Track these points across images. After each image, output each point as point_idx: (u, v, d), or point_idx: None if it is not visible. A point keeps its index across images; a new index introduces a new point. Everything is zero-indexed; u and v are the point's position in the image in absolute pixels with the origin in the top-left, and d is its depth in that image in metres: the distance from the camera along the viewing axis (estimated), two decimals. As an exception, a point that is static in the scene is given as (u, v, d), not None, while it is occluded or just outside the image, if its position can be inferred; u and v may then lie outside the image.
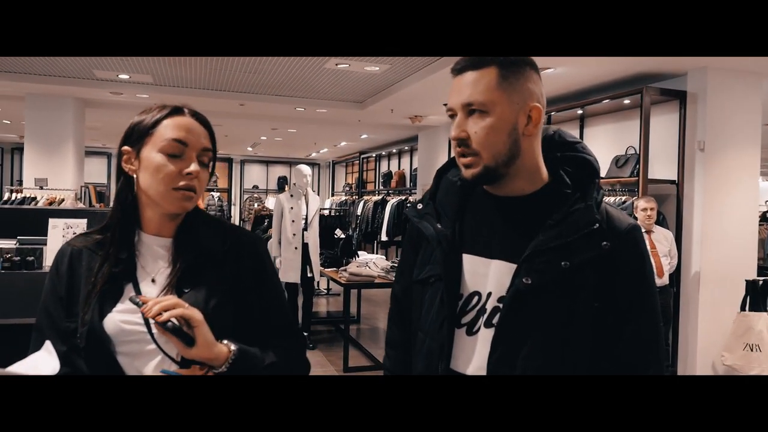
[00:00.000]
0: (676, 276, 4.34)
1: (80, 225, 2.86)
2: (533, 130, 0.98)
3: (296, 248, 5.13)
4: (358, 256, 5.55)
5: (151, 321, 0.94)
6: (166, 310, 0.92)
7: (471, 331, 1.01)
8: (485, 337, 0.99)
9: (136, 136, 1.03)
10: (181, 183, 1.00)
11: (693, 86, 4.35)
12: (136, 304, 0.95)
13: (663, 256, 4.09)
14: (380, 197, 9.24)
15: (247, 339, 1.01)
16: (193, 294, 1.00)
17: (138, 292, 1.01)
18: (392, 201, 8.55)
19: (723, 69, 4.26)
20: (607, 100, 4.72)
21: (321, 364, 4.80)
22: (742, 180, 4.34)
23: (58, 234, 2.83)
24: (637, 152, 4.56)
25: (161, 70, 5.48)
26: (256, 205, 12.64)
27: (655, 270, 3.66)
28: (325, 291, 8.22)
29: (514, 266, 0.97)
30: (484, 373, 0.97)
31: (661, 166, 4.60)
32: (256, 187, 14.11)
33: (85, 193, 6.71)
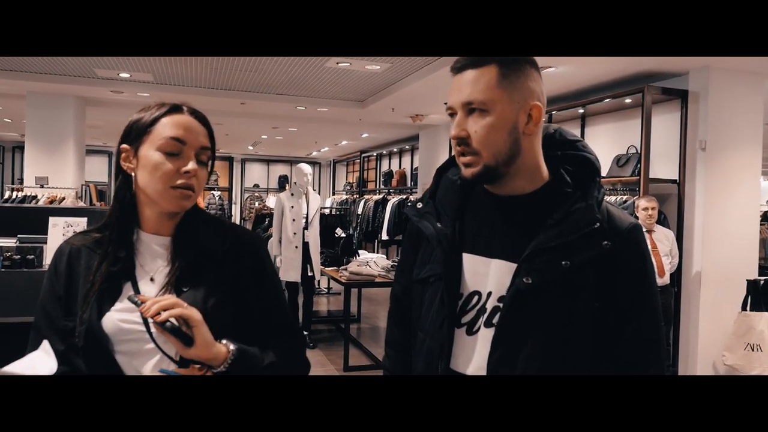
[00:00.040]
0: (677, 275, 4.33)
1: (80, 223, 2.86)
2: (534, 128, 0.98)
3: (297, 247, 5.13)
4: (359, 255, 5.55)
5: (150, 320, 0.93)
6: (164, 310, 0.91)
7: (471, 330, 1.00)
8: (485, 336, 0.98)
9: (135, 134, 1.02)
10: (179, 181, 0.99)
11: (695, 86, 4.34)
12: (135, 303, 0.94)
13: (664, 255, 4.08)
14: (381, 196, 9.24)
15: (247, 339, 1.01)
16: (192, 293, 0.99)
17: (137, 291, 1.00)
18: (393, 200, 8.55)
19: (725, 69, 4.25)
20: (608, 99, 4.71)
21: (321, 363, 4.80)
22: (743, 180, 4.34)
23: (59, 232, 2.83)
24: (639, 151, 4.55)
25: (162, 68, 5.48)
26: (257, 204, 12.64)
27: (656, 269, 3.66)
28: (326, 290, 8.23)
29: (514, 266, 0.97)
30: (484, 372, 0.97)
31: (663, 166, 4.60)
32: (256, 185, 14.12)
33: (85, 191, 6.72)
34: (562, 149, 1.05)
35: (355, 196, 10.93)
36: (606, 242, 0.95)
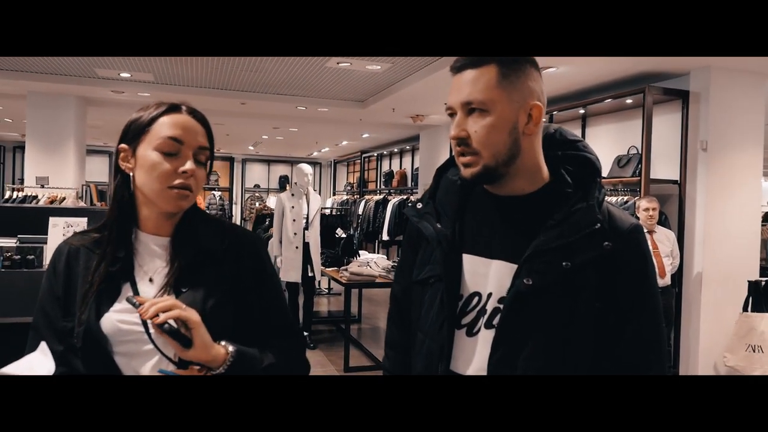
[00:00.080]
0: (678, 276, 4.33)
1: (81, 224, 2.86)
2: (534, 128, 0.97)
3: (297, 247, 5.12)
4: (359, 256, 5.55)
5: (149, 322, 0.93)
6: (163, 311, 0.91)
7: (471, 332, 1.00)
8: (485, 338, 0.98)
9: (133, 133, 1.02)
10: (177, 181, 0.98)
11: (696, 86, 4.33)
12: (133, 304, 0.94)
13: (665, 256, 4.08)
14: (381, 197, 9.24)
15: (247, 339, 1.00)
16: (191, 294, 0.99)
17: (136, 291, 1.00)
18: (393, 200, 8.55)
19: (726, 69, 4.24)
20: (609, 100, 4.70)
21: (322, 363, 4.80)
22: (744, 180, 4.33)
23: (59, 233, 2.82)
24: (640, 152, 4.55)
25: (162, 68, 5.48)
26: (257, 204, 12.64)
27: (657, 270, 3.65)
28: (326, 290, 8.22)
29: (514, 266, 0.96)
30: (484, 374, 0.96)
31: (664, 166, 4.59)
32: (257, 186, 14.12)
33: (86, 191, 6.72)
34: (562, 149, 1.04)
35: (355, 196, 10.93)
36: (607, 243, 0.94)
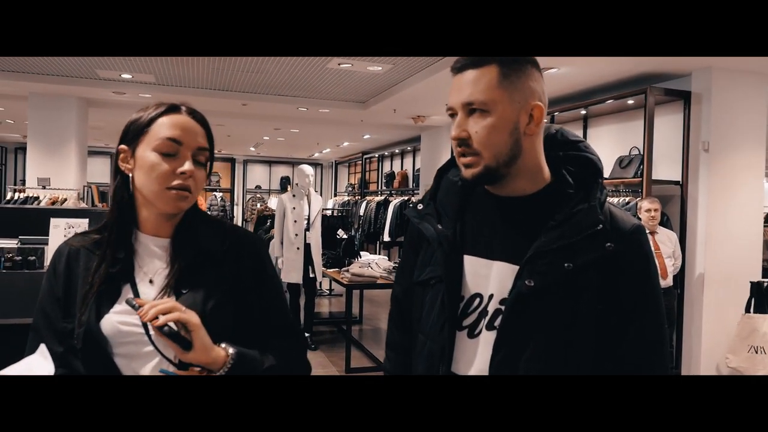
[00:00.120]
0: (680, 277, 4.32)
1: (82, 225, 2.86)
2: (535, 129, 0.97)
3: (298, 248, 5.12)
4: (361, 257, 5.54)
5: (149, 324, 0.93)
6: (162, 314, 0.90)
7: (472, 333, 1.00)
8: (487, 339, 0.97)
9: (132, 134, 1.02)
10: (175, 182, 0.98)
11: (697, 86, 4.33)
12: (133, 306, 0.93)
13: (667, 257, 4.07)
14: (383, 197, 9.24)
15: (247, 339, 1.00)
16: (192, 295, 0.99)
17: (136, 292, 1.00)
18: (395, 201, 8.54)
19: (728, 69, 4.23)
20: (610, 101, 4.70)
21: (323, 364, 4.80)
22: (746, 181, 4.32)
23: (60, 234, 2.82)
24: (641, 153, 4.54)
25: (164, 69, 5.48)
26: (258, 205, 12.65)
27: (659, 271, 3.64)
28: (328, 291, 8.22)
29: (516, 268, 0.96)
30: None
31: (665, 167, 4.58)
32: (258, 187, 14.12)
33: (87, 192, 6.72)
34: (563, 150, 1.04)
35: (356, 197, 10.92)
36: (609, 244, 0.94)
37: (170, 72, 5.58)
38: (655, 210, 4.00)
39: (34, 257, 2.81)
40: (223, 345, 0.96)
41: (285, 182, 13.49)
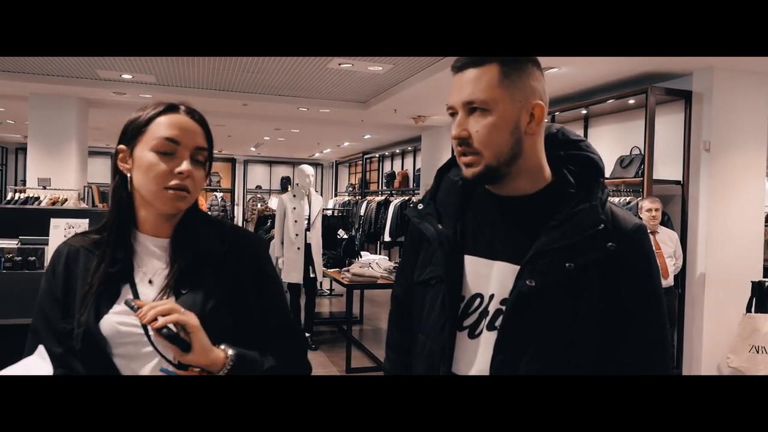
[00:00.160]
0: (681, 277, 4.31)
1: (82, 225, 2.85)
2: (536, 128, 0.97)
3: (299, 248, 5.12)
4: (361, 257, 5.54)
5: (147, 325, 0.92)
6: (161, 315, 0.90)
7: (473, 334, 0.99)
8: (488, 340, 0.97)
9: (131, 134, 1.01)
10: (173, 182, 0.97)
11: (699, 86, 4.32)
12: (131, 308, 0.93)
13: (668, 257, 4.06)
14: (383, 197, 9.24)
15: (247, 340, 1.00)
16: (191, 295, 0.98)
17: (135, 292, 0.99)
18: (395, 201, 8.54)
19: (729, 69, 4.23)
20: (611, 100, 4.69)
21: (323, 365, 4.79)
22: (747, 181, 4.32)
23: (60, 234, 2.82)
24: (642, 152, 4.53)
25: (164, 70, 5.48)
26: (259, 205, 12.65)
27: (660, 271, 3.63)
28: (328, 291, 8.22)
29: (516, 268, 0.95)
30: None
31: (666, 167, 4.58)
32: (259, 187, 14.12)
33: (88, 193, 6.72)
34: (564, 149, 1.03)
35: (357, 197, 10.92)
36: (610, 243, 0.93)
37: (171, 72, 5.57)
38: (656, 210, 4.00)
39: (34, 257, 2.80)
40: (222, 346, 0.95)
41: (285, 182, 13.49)
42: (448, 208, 1.06)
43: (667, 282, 4.05)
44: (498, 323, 0.96)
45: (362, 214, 9.34)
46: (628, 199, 4.58)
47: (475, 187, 1.04)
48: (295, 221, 5.14)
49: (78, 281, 1.00)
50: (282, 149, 12.55)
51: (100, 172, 11.71)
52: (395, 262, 5.24)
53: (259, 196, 13.93)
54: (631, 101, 4.70)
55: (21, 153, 11.94)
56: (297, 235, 5.13)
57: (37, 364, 0.95)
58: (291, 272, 5.09)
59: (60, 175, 6.30)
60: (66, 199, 6.01)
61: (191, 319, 0.92)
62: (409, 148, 9.67)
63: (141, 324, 0.95)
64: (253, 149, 12.59)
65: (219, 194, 12.85)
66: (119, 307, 0.97)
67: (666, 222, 4.32)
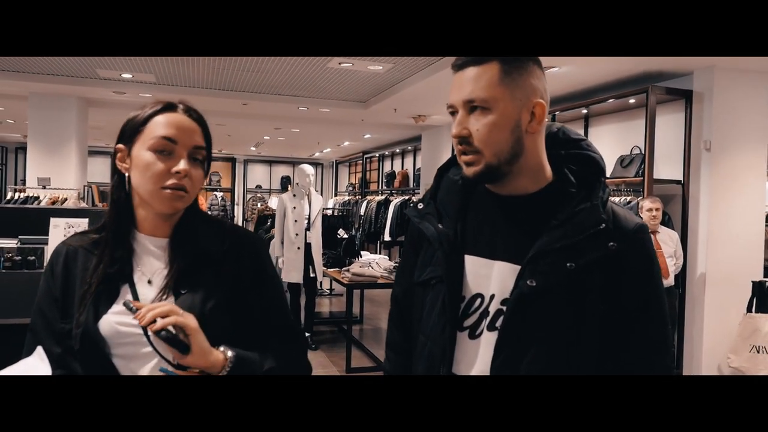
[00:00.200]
0: (681, 277, 4.31)
1: (82, 224, 2.85)
2: (537, 127, 0.96)
3: (299, 248, 5.12)
4: (361, 257, 5.54)
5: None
6: (160, 317, 0.89)
7: (474, 334, 0.99)
8: (488, 340, 0.96)
9: (129, 133, 1.01)
10: (170, 182, 0.97)
11: (699, 86, 4.32)
12: (130, 309, 0.92)
13: (668, 257, 4.06)
14: (383, 197, 9.24)
15: (247, 340, 0.99)
16: (191, 296, 0.98)
17: (134, 293, 0.99)
18: (395, 201, 8.54)
19: (730, 68, 4.23)
20: (612, 100, 4.69)
21: (323, 364, 4.79)
22: (748, 180, 4.31)
23: (60, 233, 2.81)
24: (643, 152, 4.53)
25: (164, 69, 5.48)
26: (259, 204, 12.65)
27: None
28: (328, 291, 8.21)
29: (517, 268, 0.95)
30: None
31: (667, 166, 4.57)
32: (259, 186, 14.12)
33: (87, 192, 6.72)
34: (565, 148, 1.03)
35: (357, 197, 10.92)
36: (612, 243, 0.93)
37: (170, 72, 5.57)
38: (657, 209, 3.99)
39: (33, 257, 2.80)
40: (221, 348, 0.95)
41: (285, 182, 13.49)
42: (448, 207, 1.05)
43: (668, 282, 4.05)
44: (499, 324, 0.95)
45: (362, 213, 9.34)
46: (628, 198, 4.57)
47: (476, 187, 1.04)
48: (295, 221, 5.14)
49: (77, 281, 1.00)
50: (282, 149, 12.55)
51: (100, 172, 11.71)
52: (395, 262, 5.24)
53: (259, 195, 13.93)
54: (632, 101, 4.69)
55: (21, 152, 11.94)
56: (297, 234, 5.13)
57: (36, 365, 0.95)
58: (291, 272, 5.09)
59: (60, 174, 6.30)
60: (66, 199, 6.00)
61: (190, 321, 0.92)
62: (409, 148, 9.66)
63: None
64: (253, 149, 12.59)
65: (219, 194, 12.85)
66: (118, 307, 0.97)
67: (666, 222, 4.32)
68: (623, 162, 4.78)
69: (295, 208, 5.16)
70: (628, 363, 0.95)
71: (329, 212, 7.44)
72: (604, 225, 0.93)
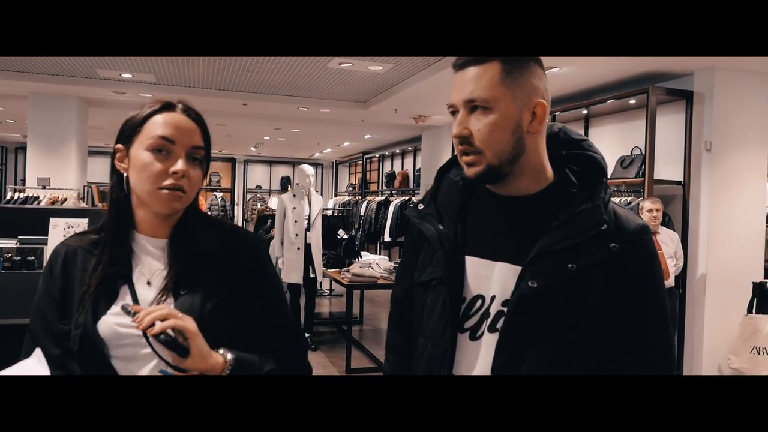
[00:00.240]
0: (681, 278, 4.31)
1: (81, 224, 2.84)
2: (538, 127, 0.96)
3: (299, 249, 5.12)
4: (361, 257, 5.54)
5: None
6: (159, 321, 0.88)
7: (474, 336, 0.98)
8: (489, 342, 0.96)
9: (127, 133, 1.00)
10: (167, 182, 0.96)
11: (700, 86, 4.32)
12: (128, 312, 0.91)
13: (669, 257, 4.06)
14: (383, 197, 9.23)
15: (247, 341, 0.99)
16: (190, 297, 0.97)
17: (134, 294, 0.98)
18: (395, 201, 8.54)
19: (730, 69, 4.22)
20: (612, 100, 4.69)
21: (323, 365, 4.79)
22: (749, 181, 4.31)
23: (59, 234, 2.81)
24: (643, 153, 4.53)
25: (164, 69, 5.47)
26: (259, 205, 12.64)
27: (660, 272, 3.63)
28: (328, 292, 8.21)
29: (518, 269, 0.94)
30: (487, 378, 0.95)
31: (667, 167, 4.57)
32: (259, 187, 14.12)
33: (87, 192, 6.72)
34: (567, 148, 1.02)
35: (357, 197, 10.92)
36: (613, 244, 0.92)
37: (170, 72, 5.57)
38: (657, 210, 3.99)
39: (33, 257, 2.80)
40: (221, 351, 0.94)
41: (285, 182, 13.49)
42: (448, 208, 1.05)
43: (668, 283, 4.05)
44: (499, 325, 0.95)
45: (362, 214, 9.34)
46: (629, 199, 4.57)
47: (476, 187, 1.04)
48: (295, 221, 5.13)
49: (76, 282, 0.99)
50: (282, 149, 12.54)
51: (100, 172, 11.70)
52: (395, 263, 5.23)
53: (259, 195, 13.93)
54: (632, 101, 4.69)
55: (20, 152, 11.94)
56: (297, 235, 5.12)
57: (34, 367, 0.94)
58: (291, 272, 5.09)
59: (59, 174, 6.30)
60: (65, 199, 6.00)
61: (189, 324, 0.91)
62: (410, 148, 9.66)
63: None
64: (253, 149, 12.59)
65: (219, 194, 12.85)
66: (117, 308, 0.96)
67: (667, 222, 4.31)
68: (623, 163, 4.78)
69: (295, 208, 5.16)
70: (629, 364, 0.94)
71: (329, 213, 7.43)
72: (605, 226, 0.93)
